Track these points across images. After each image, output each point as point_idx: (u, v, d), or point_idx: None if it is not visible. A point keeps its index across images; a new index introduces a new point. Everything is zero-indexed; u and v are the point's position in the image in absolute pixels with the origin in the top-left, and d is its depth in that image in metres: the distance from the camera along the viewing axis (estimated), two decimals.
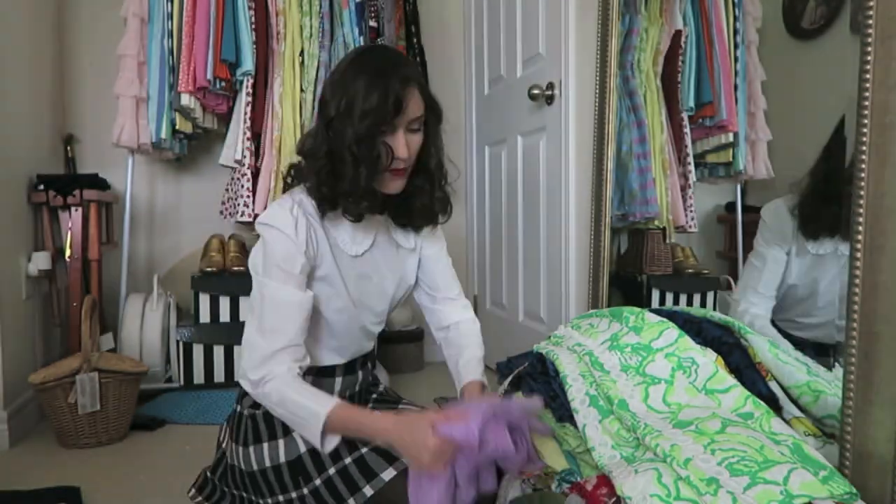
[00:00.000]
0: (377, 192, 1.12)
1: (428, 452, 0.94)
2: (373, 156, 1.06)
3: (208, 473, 1.32)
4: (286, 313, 1.09)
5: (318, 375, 1.22)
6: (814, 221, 1.36)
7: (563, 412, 1.15)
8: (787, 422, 1.01)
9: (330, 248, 1.15)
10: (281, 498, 1.14)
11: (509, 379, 1.37)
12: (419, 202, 1.19)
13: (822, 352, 1.30)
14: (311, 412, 1.04)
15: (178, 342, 2.31)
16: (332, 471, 1.09)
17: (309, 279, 1.14)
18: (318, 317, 1.17)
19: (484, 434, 0.93)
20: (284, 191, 1.20)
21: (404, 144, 1.08)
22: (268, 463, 1.15)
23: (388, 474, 1.06)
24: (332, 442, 1.07)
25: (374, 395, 1.35)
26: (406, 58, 1.17)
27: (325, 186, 1.10)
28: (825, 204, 1.31)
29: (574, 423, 1.11)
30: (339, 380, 1.24)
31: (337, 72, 1.11)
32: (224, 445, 1.26)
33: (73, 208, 2.17)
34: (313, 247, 1.13)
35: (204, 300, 2.32)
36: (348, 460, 1.09)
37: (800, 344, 1.32)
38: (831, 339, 1.32)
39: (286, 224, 1.09)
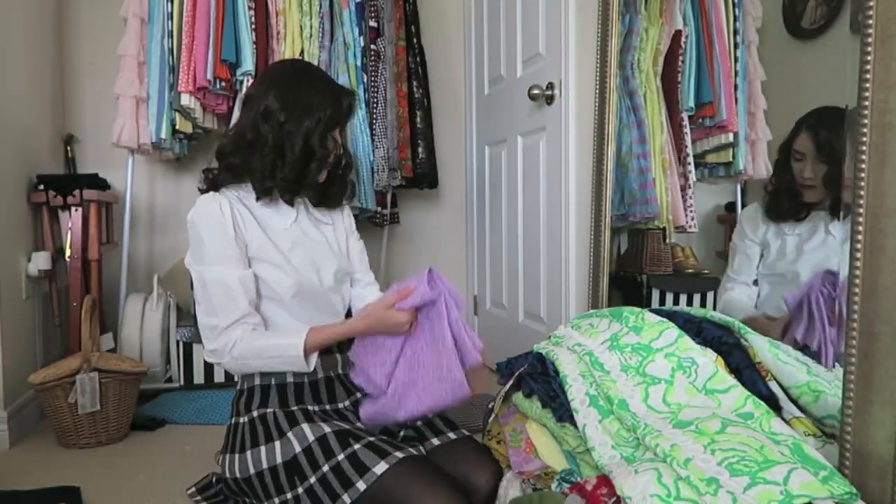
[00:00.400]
0: (318, 184, 1.32)
1: (402, 325, 1.16)
2: (324, 153, 1.27)
3: (214, 480, 1.33)
4: (232, 292, 1.21)
5: None
6: (775, 210, 1.54)
7: (563, 412, 1.15)
8: (787, 422, 1.01)
9: (258, 225, 1.28)
10: (277, 500, 1.16)
11: (511, 381, 1.37)
12: (336, 188, 1.39)
13: None
14: (288, 345, 1.19)
15: (178, 342, 2.32)
16: (325, 468, 1.11)
17: (248, 260, 1.25)
18: (272, 297, 1.27)
19: (431, 288, 1.16)
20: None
21: (339, 142, 1.33)
22: (265, 465, 1.16)
23: (381, 468, 1.07)
24: (313, 360, 1.22)
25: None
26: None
27: (277, 173, 1.25)
28: (785, 196, 1.51)
29: (574, 423, 1.11)
30: (317, 360, 1.27)
31: (280, 81, 1.28)
32: (220, 463, 1.28)
33: (73, 208, 2.17)
34: (241, 223, 1.25)
35: None
36: (341, 457, 1.11)
37: None
38: None
39: (212, 208, 1.22)
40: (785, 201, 1.51)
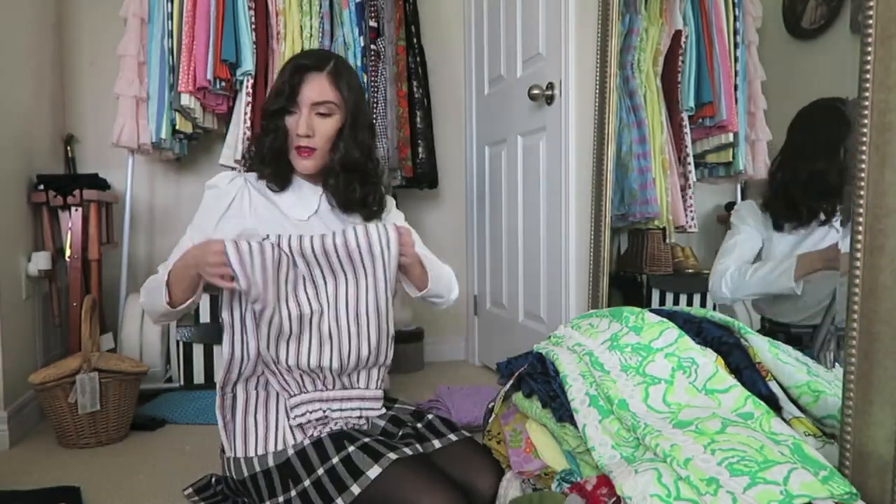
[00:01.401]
0: (282, 165, 1.28)
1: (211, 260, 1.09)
2: (277, 129, 1.25)
3: (213, 481, 1.33)
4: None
5: None
6: (778, 215, 1.49)
7: (563, 412, 1.15)
8: (787, 422, 1.01)
9: (274, 211, 1.29)
10: (268, 503, 1.15)
11: (511, 381, 1.37)
12: (331, 186, 1.32)
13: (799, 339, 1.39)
14: (157, 281, 1.19)
15: (178, 342, 2.32)
16: (320, 471, 1.10)
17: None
18: None
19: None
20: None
21: (305, 124, 1.24)
22: (258, 468, 1.15)
23: (374, 472, 1.06)
24: (186, 299, 1.19)
25: None
26: (331, 55, 1.32)
27: (255, 155, 1.30)
28: (785, 199, 1.47)
29: (574, 423, 1.11)
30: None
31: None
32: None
33: (73, 208, 2.17)
34: (245, 203, 1.27)
35: (204, 300, 2.32)
36: (335, 460, 1.10)
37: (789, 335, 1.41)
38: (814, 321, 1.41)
39: (221, 179, 1.28)
40: (791, 204, 1.46)
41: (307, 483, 1.10)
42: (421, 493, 1.04)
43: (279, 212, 1.28)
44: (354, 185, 1.31)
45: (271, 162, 1.28)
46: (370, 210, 1.35)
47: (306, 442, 1.14)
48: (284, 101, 1.24)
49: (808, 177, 1.44)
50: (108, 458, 1.81)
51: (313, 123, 1.25)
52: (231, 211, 1.24)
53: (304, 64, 1.25)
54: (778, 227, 1.50)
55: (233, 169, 2.34)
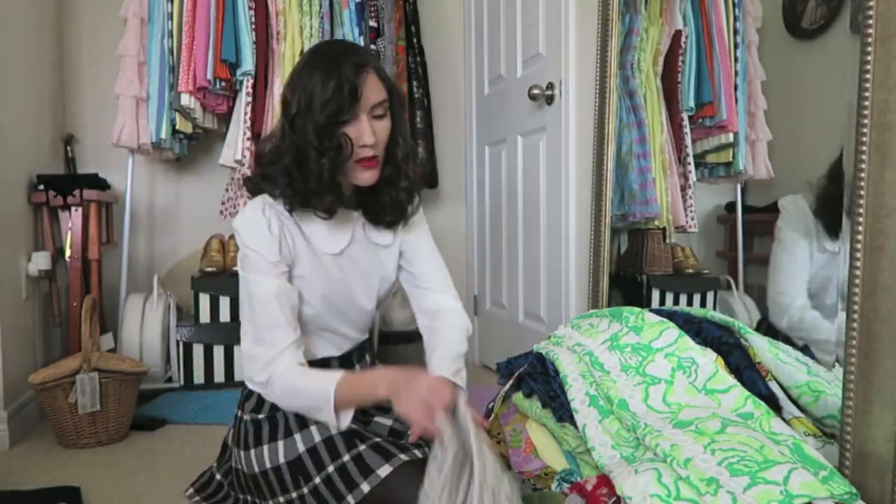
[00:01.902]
0: (340, 185, 1.14)
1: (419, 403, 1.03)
2: (334, 146, 1.08)
3: (217, 476, 1.33)
4: (276, 309, 1.13)
5: None
6: (833, 222, 1.35)
7: (563, 412, 1.15)
8: (787, 422, 1.01)
9: (308, 247, 1.18)
10: (282, 499, 1.16)
11: (510, 381, 1.37)
12: (387, 196, 1.20)
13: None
14: (320, 393, 1.09)
15: (178, 342, 2.32)
16: (331, 468, 1.11)
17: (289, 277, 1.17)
18: (304, 313, 1.20)
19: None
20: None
21: (370, 131, 1.09)
22: (268, 465, 1.16)
23: (385, 471, 1.07)
24: (347, 418, 1.12)
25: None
26: (359, 46, 1.18)
27: (295, 185, 1.12)
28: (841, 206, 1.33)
29: (574, 423, 1.11)
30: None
31: (295, 71, 1.13)
32: (229, 448, 1.27)
33: (73, 208, 2.17)
34: (288, 245, 1.16)
35: (204, 300, 2.32)
36: (346, 458, 1.10)
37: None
38: None
39: (260, 224, 1.14)
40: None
41: (318, 480, 1.11)
42: None
43: (311, 247, 1.18)
44: (401, 192, 1.20)
45: (331, 186, 1.11)
46: (407, 218, 1.26)
47: (317, 439, 1.14)
48: (347, 109, 1.06)
49: None
50: (108, 458, 1.81)
51: (373, 128, 1.10)
52: (282, 255, 1.15)
53: (358, 61, 1.06)
54: (821, 217, 1.36)
55: (232, 168, 2.35)
